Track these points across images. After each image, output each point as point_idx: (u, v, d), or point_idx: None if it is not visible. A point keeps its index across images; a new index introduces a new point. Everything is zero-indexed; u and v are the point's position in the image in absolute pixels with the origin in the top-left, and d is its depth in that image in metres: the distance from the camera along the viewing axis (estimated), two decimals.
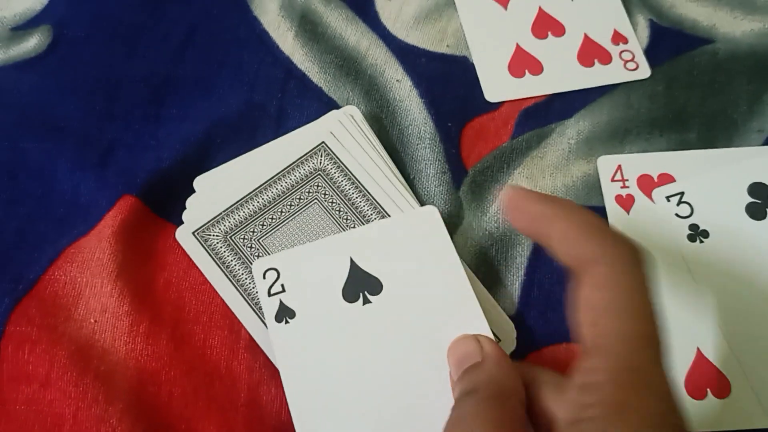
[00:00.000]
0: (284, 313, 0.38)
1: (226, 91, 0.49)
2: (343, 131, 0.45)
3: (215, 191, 0.44)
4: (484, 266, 0.44)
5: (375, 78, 0.49)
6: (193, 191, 0.45)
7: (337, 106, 0.48)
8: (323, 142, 0.44)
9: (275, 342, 0.38)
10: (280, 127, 0.47)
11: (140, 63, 0.50)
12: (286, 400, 0.37)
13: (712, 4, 0.52)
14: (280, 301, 0.38)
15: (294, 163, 0.44)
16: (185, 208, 0.44)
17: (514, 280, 0.43)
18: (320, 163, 0.43)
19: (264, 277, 0.39)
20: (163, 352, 0.40)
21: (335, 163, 0.43)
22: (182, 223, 0.44)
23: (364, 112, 0.47)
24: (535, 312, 0.42)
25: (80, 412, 0.38)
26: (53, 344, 0.40)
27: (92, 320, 0.41)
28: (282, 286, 0.39)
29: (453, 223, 0.45)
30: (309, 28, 0.51)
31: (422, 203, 0.45)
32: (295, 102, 0.48)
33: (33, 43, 0.51)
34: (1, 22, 0.52)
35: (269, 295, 0.38)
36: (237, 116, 0.48)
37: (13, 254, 0.43)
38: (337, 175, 0.43)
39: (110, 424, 0.38)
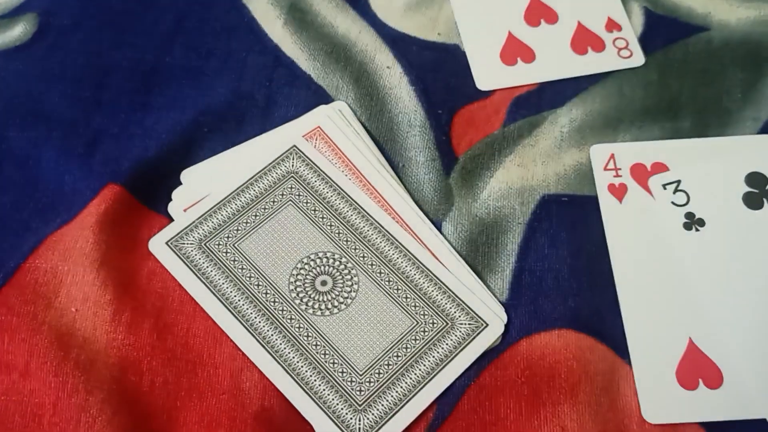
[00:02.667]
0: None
1: (214, 80, 0.48)
2: (332, 126, 0.44)
3: (201, 184, 0.44)
4: (474, 253, 0.43)
5: (365, 65, 0.49)
6: (179, 182, 0.44)
7: (325, 94, 0.47)
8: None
9: None
10: (268, 115, 0.47)
11: (128, 51, 0.50)
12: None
13: None
14: None
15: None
16: (171, 199, 0.44)
17: (505, 267, 0.43)
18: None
19: None
20: (145, 341, 0.40)
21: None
22: (167, 213, 0.43)
23: (353, 99, 0.47)
24: (527, 298, 0.42)
25: (60, 401, 0.38)
26: (33, 333, 0.39)
27: (73, 309, 0.40)
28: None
29: (443, 210, 0.44)
30: (298, 16, 0.51)
31: (411, 191, 0.44)
32: (283, 90, 0.48)
33: (18, 31, 0.50)
34: None
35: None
36: (225, 105, 0.47)
37: None
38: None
39: (90, 414, 0.37)
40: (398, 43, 0.50)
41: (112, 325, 0.40)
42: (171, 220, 0.43)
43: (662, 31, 0.50)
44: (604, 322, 0.41)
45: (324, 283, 0.41)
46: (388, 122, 0.47)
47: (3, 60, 0.49)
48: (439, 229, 0.43)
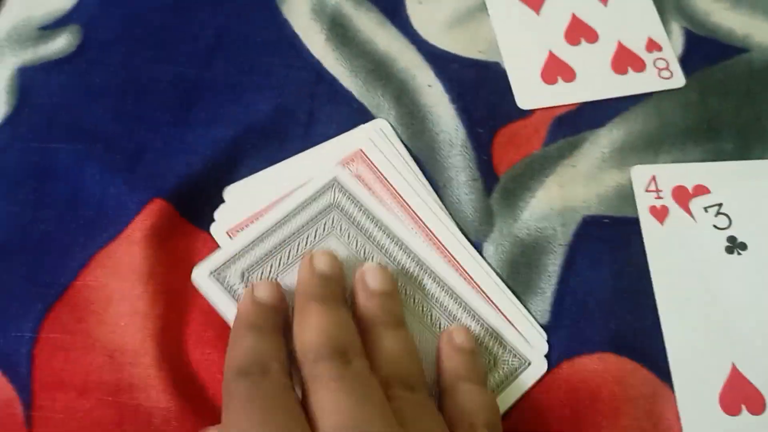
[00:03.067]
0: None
1: (255, 96, 0.48)
2: (373, 149, 0.45)
3: (243, 204, 0.44)
4: (515, 275, 0.43)
5: (406, 83, 0.49)
6: (222, 198, 0.44)
7: (367, 111, 0.48)
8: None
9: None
10: (310, 132, 0.47)
11: (169, 66, 0.50)
12: None
13: (748, 13, 0.51)
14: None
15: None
16: (213, 216, 0.44)
17: (546, 289, 0.43)
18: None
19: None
20: (196, 354, 0.40)
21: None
22: (209, 229, 0.44)
23: (394, 117, 0.47)
24: (568, 320, 0.42)
25: (125, 420, 0.38)
26: (87, 351, 0.40)
27: (122, 324, 0.41)
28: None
29: (483, 230, 0.44)
30: (340, 31, 0.51)
31: (451, 211, 0.44)
32: (325, 107, 0.48)
33: (61, 43, 0.51)
34: (29, 22, 0.52)
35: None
36: (266, 121, 0.47)
37: (43, 259, 0.43)
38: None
39: (154, 426, 0.38)
40: (439, 60, 0.50)
41: (164, 338, 0.40)
42: (212, 237, 0.43)
43: (702, 52, 0.50)
44: (646, 346, 0.41)
45: None
46: (429, 141, 0.47)
47: (46, 73, 0.50)
48: (479, 250, 0.43)
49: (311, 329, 0.35)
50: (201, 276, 0.41)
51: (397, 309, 0.39)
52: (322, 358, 0.33)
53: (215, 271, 0.41)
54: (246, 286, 0.40)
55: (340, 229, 0.42)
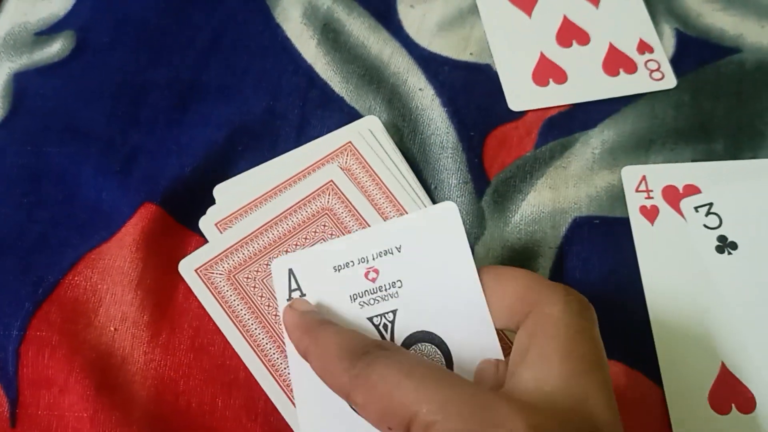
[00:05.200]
0: None
1: (248, 98, 0.49)
2: (363, 144, 0.44)
3: (233, 201, 0.44)
4: None
5: (397, 87, 0.49)
6: (214, 200, 0.45)
7: (358, 115, 0.48)
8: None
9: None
10: (302, 135, 0.47)
11: (164, 69, 0.50)
12: None
13: (740, 14, 0.51)
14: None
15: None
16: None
17: None
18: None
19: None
20: (182, 361, 0.40)
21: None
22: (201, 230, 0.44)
23: (385, 121, 0.47)
24: None
25: (98, 415, 0.39)
26: (73, 351, 0.40)
27: (112, 328, 0.41)
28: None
29: (475, 233, 0.44)
30: (331, 36, 0.51)
31: None
32: (316, 112, 0.48)
33: (56, 48, 0.51)
34: (24, 27, 0.52)
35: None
36: (259, 123, 0.48)
37: (34, 258, 0.43)
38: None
39: (130, 430, 0.38)
40: (430, 63, 0.50)
41: (150, 345, 0.41)
42: (204, 238, 0.44)
43: (694, 53, 0.50)
44: (635, 346, 0.41)
45: None
46: (420, 144, 0.47)
47: (41, 77, 0.50)
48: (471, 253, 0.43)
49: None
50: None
51: None
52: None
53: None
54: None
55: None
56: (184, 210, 0.45)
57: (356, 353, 0.31)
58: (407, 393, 0.29)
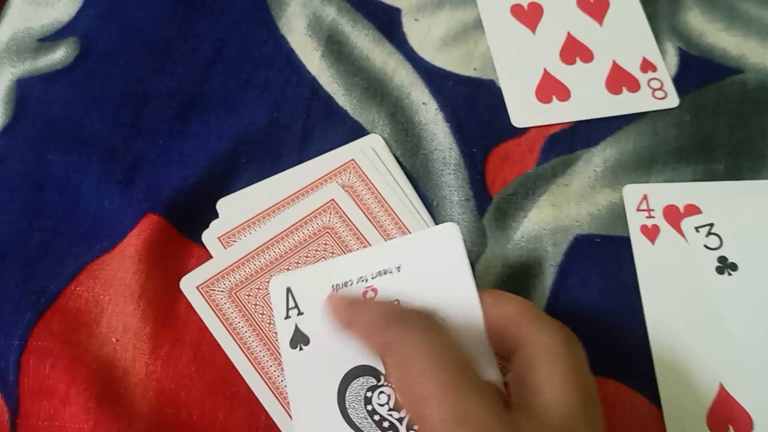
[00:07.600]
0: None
1: (252, 109, 0.49)
2: (366, 162, 0.45)
3: (237, 214, 0.44)
4: None
5: (401, 101, 0.49)
6: (217, 213, 0.45)
7: (361, 128, 0.48)
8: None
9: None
10: (305, 147, 0.47)
11: (167, 78, 0.50)
12: None
13: (742, 34, 0.51)
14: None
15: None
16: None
17: None
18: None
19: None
20: (183, 374, 0.41)
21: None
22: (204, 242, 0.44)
23: (388, 135, 0.47)
24: None
25: (99, 427, 0.39)
26: (75, 361, 0.40)
27: (114, 339, 0.41)
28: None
29: (476, 251, 0.44)
30: (335, 48, 0.51)
31: None
32: (320, 124, 0.48)
33: (60, 55, 0.51)
34: (28, 33, 0.52)
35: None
36: (262, 135, 0.48)
37: (36, 267, 0.43)
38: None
39: None
40: (434, 77, 0.50)
41: (152, 357, 0.41)
42: (206, 250, 0.44)
43: (696, 73, 0.50)
44: (634, 366, 0.41)
45: None
46: (423, 159, 0.47)
47: (44, 84, 0.50)
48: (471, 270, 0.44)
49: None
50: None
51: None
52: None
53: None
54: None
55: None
56: (186, 221, 0.45)
57: (397, 317, 0.33)
58: (427, 392, 0.29)
